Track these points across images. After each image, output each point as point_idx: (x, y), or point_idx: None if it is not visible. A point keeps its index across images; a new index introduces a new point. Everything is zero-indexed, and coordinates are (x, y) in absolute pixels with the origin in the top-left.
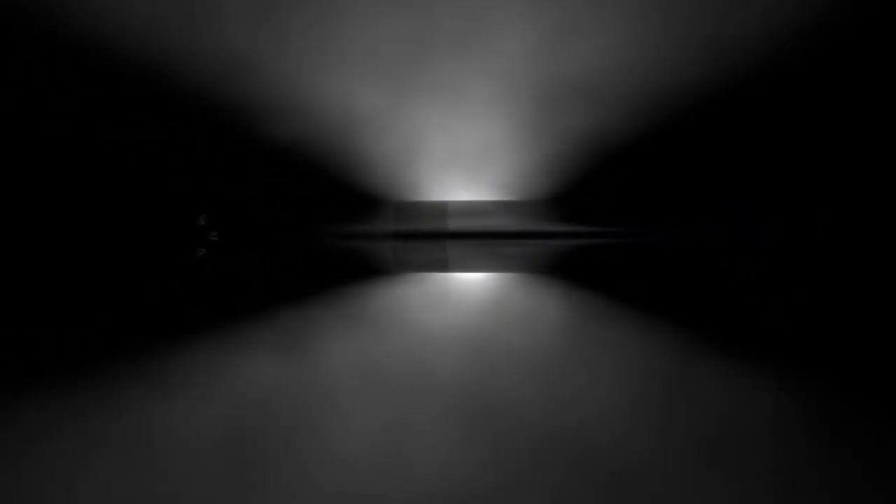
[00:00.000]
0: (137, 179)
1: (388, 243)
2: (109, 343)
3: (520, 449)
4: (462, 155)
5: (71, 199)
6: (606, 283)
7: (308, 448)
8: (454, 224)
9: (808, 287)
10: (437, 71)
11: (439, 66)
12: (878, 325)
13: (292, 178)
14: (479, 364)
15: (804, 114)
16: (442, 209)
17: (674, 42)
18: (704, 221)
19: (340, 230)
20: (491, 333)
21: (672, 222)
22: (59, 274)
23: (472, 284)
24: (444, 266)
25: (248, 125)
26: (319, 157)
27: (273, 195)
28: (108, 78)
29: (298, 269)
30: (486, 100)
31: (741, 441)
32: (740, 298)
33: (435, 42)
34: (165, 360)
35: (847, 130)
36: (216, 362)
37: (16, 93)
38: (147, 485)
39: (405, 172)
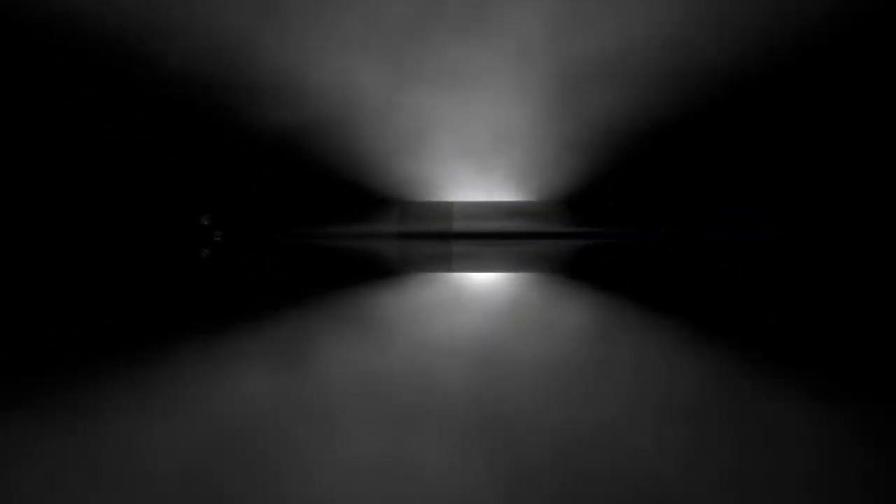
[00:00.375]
0: (139, 179)
1: (393, 243)
2: (109, 343)
3: (531, 465)
4: (471, 147)
5: (71, 199)
6: (607, 282)
7: (304, 457)
8: (459, 225)
9: (808, 287)
10: (443, 54)
11: (445, 48)
12: (878, 325)
13: (296, 178)
14: (488, 371)
15: (804, 114)
16: (447, 210)
17: (680, 38)
18: (704, 221)
19: (345, 230)
20: (499, 338)
21: (672, 222)
22: (59, 274)
23: (475, 285)
24: (449, 266)
25: (245, 115)
26: (322, 154)
27: (277, 195)
28: (108, 78)
29: (301, 269)
30: (496, 85)
31: (766, 461)
32: (740, 298)
33: (440, 22)
34: (165, 362)
35: (847, 130)
36: (215, 365)
37: (16, 93)
38: (144, 487)
39: (410, 167)
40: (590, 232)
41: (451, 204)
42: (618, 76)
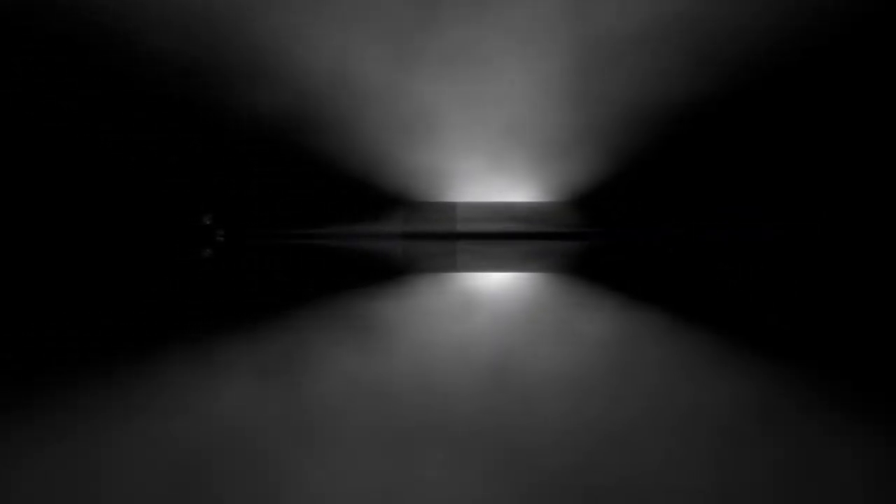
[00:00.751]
0: (140, 179)
1: (398, 243)
2: (110, 344)
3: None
4: (482, 135)
5: (73, 200)
6: (609, 282)
7: (300, 473)
8: (463, 225)
9: (808, 287)
10: (451, 32)
11: (454, 26)
12: (878, 324)
13: (299, 178)
14: (499, 381)
15: (804, 114)
16: (451, 210)
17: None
18: (704, 221)
19: (349, 230)
20: (510, 344)
21: (672, 222)
22: (61, 274)
23: (480, 286)
24: (453, 266)
25: (245, 108)
26: (325, 152)
27: (280, 194)
28: (108, 78)
29: (305, 270)
30: (509, 67)
31: (806, 486)
32: (740, 298)
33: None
34: (164, 363)
35: (847, 130)
36: (214, 370)
37: (16, 93)
38: (144, 488)
39: (415, 158)
40: (592, 232)
41: (455, 205)
42: (661, 34)
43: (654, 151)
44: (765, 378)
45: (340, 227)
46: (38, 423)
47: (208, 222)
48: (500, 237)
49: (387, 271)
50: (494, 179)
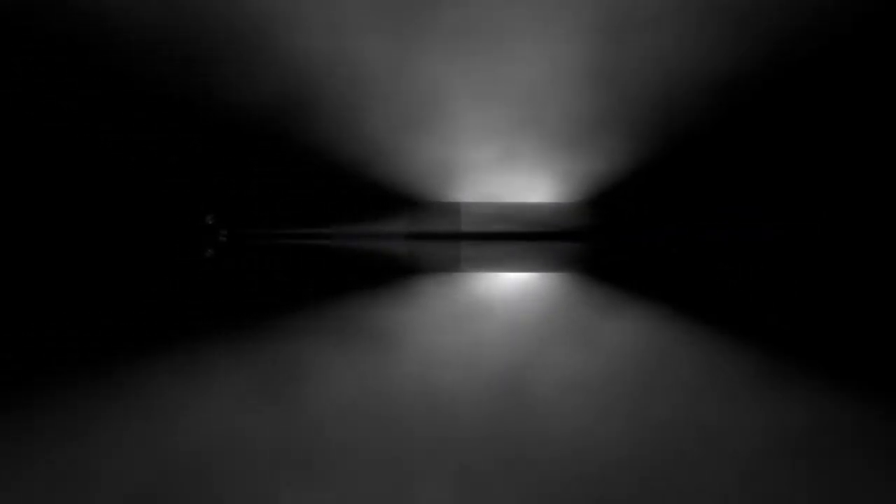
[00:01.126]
0: (141, 179)
1: (402, 243)
2: (110, 344)
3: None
4: (492, 125)
5: (73, 200)
6: (615, 282)
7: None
8: (468, 226)
9: (808, 287)
10: (459, 9)
11: (462, 2)
12: (878, 324)
13: (300, 177)
14: (507, 390)
15: (804, 114)
16: (455, 210)
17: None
18: (704, 221)
19: (353, 230)
20: (518, 350)
21: (673, 222)
22: (61, 275)
23: (485, 287)
24: (458, 266)
25: (245, 102)
26: (327, 150)
27: (282, 193)
28: (108, 78)
29: (307, 271)
30: (523, 47)
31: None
32: (740, 298)
33: None
34: (164, 365)
35: (847, 130)
36: (212, 374)
37: (16, 93)
38: (143, 489)
39: (418, 152)
40: (594, 233)
41: (459, 204)
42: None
43: (655, 152)
44: (795, 389)
45: (343, 227)
46: (38, 423)
47: (210, 222)
48: (503, 237)
49: (391, 272)
50: (485, 178)
